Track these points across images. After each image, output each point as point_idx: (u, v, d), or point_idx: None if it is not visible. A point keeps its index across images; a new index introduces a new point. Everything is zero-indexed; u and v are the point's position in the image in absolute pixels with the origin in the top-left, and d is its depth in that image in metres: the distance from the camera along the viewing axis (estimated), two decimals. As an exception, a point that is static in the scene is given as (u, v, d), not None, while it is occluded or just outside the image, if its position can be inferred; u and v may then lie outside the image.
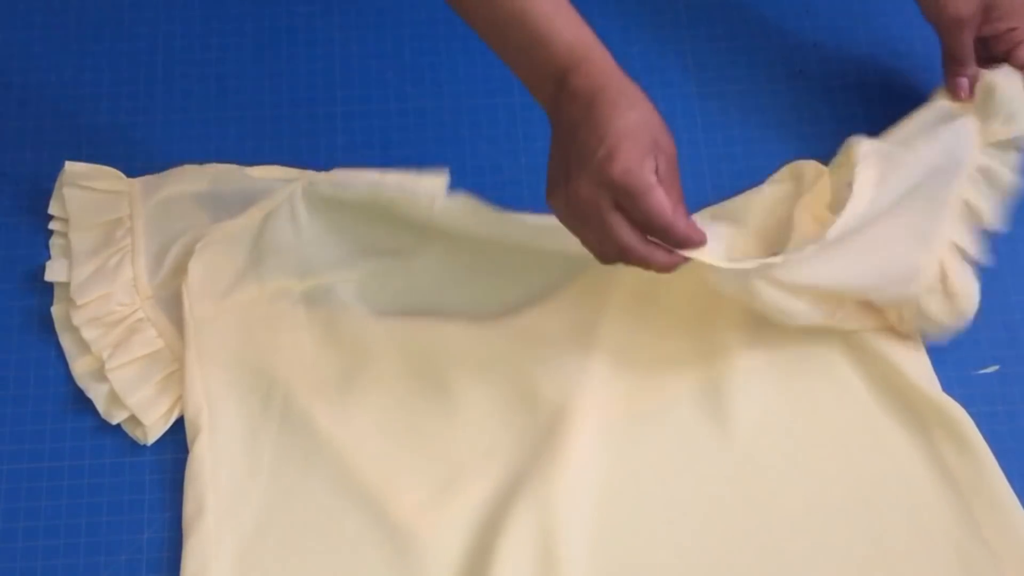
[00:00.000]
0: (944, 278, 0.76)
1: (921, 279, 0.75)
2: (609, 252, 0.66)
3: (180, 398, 0.76)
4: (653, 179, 0.63)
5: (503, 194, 0.85)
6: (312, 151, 0.87)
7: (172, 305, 0.79)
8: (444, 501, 0.74)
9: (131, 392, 0.76)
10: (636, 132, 0.63)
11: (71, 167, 0.83)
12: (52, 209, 0.83)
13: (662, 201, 0.63)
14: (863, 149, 0.75)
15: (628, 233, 0.65)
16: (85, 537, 0.74)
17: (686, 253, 0.67)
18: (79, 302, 0.78)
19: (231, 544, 0.73)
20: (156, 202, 0.82)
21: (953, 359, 0.80)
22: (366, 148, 0.87)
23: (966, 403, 0.78)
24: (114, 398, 0.76)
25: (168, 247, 0.80)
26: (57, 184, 0.83)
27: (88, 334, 0.78)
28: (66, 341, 0.79)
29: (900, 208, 0.75)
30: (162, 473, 0.76)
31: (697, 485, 0.76)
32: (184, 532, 0.73)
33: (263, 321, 0.79)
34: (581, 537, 0.73)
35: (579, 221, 0.66)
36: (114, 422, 0.76)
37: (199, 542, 0.73)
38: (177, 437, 0.77)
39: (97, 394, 0.77)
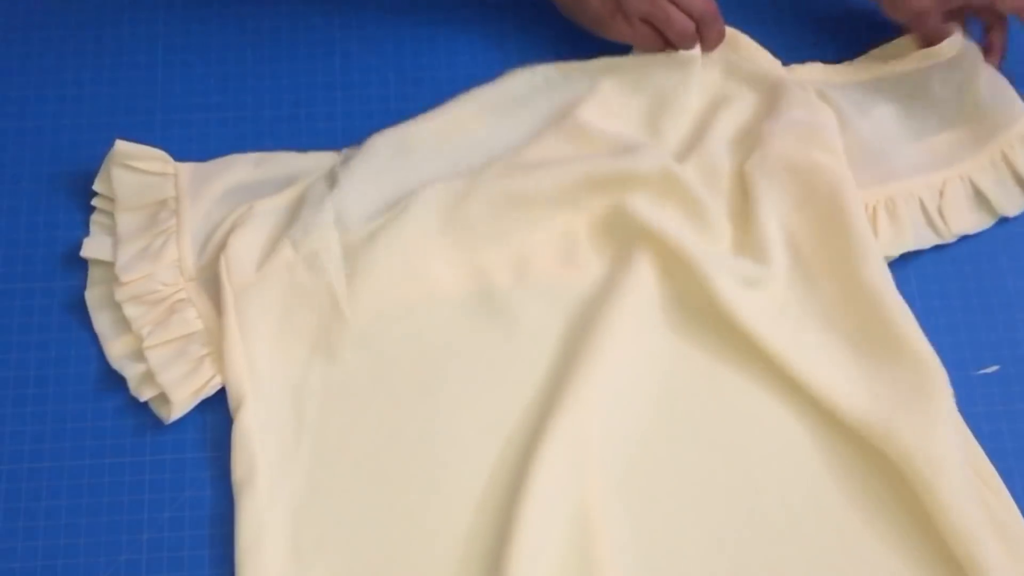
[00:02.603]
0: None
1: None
2: (685, 28, 0.84)
3: (210, 380, 0.77)
4: None
5: (503, 194, 0.86)
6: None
7: (215, 286, 0.79)
8: (494, 439, 0.75)
9: (164, 370, 0.77)
10: None
11: (121, 146, 0.83)
12: (97, 186, 0.83)
13: None
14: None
15: (678, 15, 0.83)
16: (85, 537, 0.74)
17: None
18: (123, 279, 0.79)
19: (284, 504, 0.74)
20: (207, 193, 0.82)
21: (953, 359, 0.80)
22: (366, 148, 0.87)
23: (966, 403, 0.78)
24: (147, 376, 0.77)
25: (214, 231, 0.81)
26: (105, 162, 0.83)
27: (130, 311, 0.78)
28: (101, 322, 0.80)
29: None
30: (162, 473, 0.76)
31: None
32: (236, 497, 0.74)
33: (301, 284, 0.79)
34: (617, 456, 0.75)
35: (645, 28, 0.85)
36: (143, 399, 0.77)
37: (253, 504, 0.73)
38: (178, 438, 0.77)
39: (131, 373, 0.78)
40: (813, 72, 0.89)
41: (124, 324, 0.79)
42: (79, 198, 0.85)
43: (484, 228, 0.81)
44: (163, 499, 0.75)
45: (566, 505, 0.72)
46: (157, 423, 0.77)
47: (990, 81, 0.86)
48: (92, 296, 0.81)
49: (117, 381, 0.78)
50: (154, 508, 0.75)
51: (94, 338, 0.80)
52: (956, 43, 0.86)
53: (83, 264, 0.82)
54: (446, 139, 0.85)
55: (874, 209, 0.83)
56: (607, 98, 0.86)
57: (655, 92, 0.86)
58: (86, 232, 0.83)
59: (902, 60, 0.88)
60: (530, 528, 0.70)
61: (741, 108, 0.86)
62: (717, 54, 0.87)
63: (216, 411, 0.77)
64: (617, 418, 0.75)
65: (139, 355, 0.78)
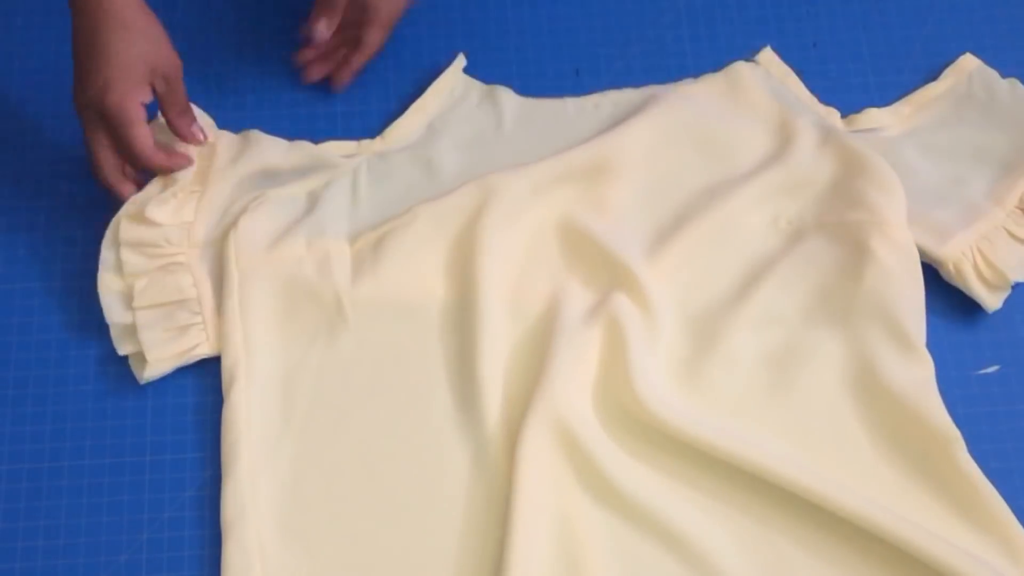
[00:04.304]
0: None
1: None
2: (95, 169, 0.79)
3: (191, 349, 0.77)
4: (138, 114, 0.77)
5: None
6: (312, 151, 0.87)
7: (216, 262, 0.80)
8: (480, 440, 0.75)
9: (148, 329, 0.77)
10: (133, 64, 0.76)
11: None
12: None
13: (145, 134, 0.77)
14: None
15: (109, 159, 0.78)
16: (85, 537, 0.74)
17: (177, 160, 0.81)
18: (147, 214, 0.79)
19: (268, 489, 0.74)
20: (236, 170, 0.83)
21: (953, 359, 0.80)
22: (366, 148, 0.87)
23: (966, 403, 0.78)
24: (130, 329, 0.77)
25: (229, 208, 0.82)
26: (159, 114, 0.83)
27: (127, 256, 0.79)
28: (108, 256, 0.79)
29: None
30: (161, 473, 0.76)
31: None
32: (222, 479, 0.74)
33: (307, 279, 0.79)
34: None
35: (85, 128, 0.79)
36: (121, 353, 0.77)
37: (235, 487, 0.73)
38: (178, 438, 0.77)
39: (116, 321, 0.78)
40: (870, 120, 0.88)
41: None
42: (79, 198, 0.85)
43: (480, 240, 0.80)
44: (163, 499, 0.75)
45: (553, 497, 0.72)
46: (158, 424, 0.77)
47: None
48: (112, 229, 0.80)
49: (117, 381, 0.79)
50: (154, 508, 0.75)
51: (94, 338, 0.80)
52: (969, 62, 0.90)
53: (83, 265, 0.82)
54: (472, 164, 0.85)
55: (973, 257, 0.81)
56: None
57: (709, 134, 0.87)
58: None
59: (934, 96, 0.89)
60: (519, 524, 0.70)
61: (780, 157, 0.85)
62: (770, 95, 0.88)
63: (217, 412, 0.77)
64: (594, 428, 0.75)
65: (128, 302, 0.78)
